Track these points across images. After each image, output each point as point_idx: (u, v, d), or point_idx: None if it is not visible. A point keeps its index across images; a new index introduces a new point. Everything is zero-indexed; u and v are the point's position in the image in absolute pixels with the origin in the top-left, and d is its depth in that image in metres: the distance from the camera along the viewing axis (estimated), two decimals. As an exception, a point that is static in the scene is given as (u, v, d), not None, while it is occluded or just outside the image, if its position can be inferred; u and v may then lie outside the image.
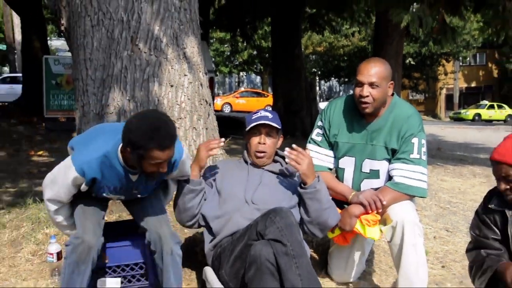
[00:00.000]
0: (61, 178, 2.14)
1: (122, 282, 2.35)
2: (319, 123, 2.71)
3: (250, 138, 2.47)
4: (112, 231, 2.42)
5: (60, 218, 2.31)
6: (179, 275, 2.25)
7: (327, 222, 2.38)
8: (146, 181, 2.25)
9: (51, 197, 2.19)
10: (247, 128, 2.46)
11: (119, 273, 2.36)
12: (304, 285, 1.96)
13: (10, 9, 16.62)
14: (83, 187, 2.16)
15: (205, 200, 2.41)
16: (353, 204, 2.49)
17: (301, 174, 2.32)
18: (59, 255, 2.60)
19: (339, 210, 2.51)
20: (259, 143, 2.45)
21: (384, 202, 2.40)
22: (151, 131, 1.92)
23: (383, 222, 2.47)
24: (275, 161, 2.59)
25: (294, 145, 2.35)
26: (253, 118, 2.48)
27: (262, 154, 2.46)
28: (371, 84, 2.43)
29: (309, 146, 2.71)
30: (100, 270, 2.30)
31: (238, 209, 2.33)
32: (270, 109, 2.42)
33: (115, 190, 2.25)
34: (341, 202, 2.58)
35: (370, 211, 2.41)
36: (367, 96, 2.43)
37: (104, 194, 2.25)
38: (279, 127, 2.48)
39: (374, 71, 2.44)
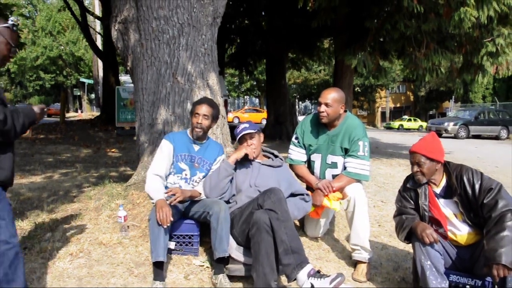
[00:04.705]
0: (157, 151, 2.36)
1: (175, 245, 2.32)
2: (297, 132, 2.69)
3: (241, 144, 2.43)
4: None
5: (151, 187, 2.21)
6: (227, 231, 2.14)
7: (297, 219, 2.42)
8: (204, 153, 2.37)
9: (150, 169, 2.29)
10: (237, 139, 2.43)
11: (175, 238, 2.34)
12: (289, 239, 1.96)
13: (96, 57, 16.82)
14: (170, 152, 2.31)
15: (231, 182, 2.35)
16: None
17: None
18: (125, 218, 2.59)
19: (310, 192, 2.52)
20: (248, 145, 2.39)
21: (334, 186, 2.42)
22: (196, 100, 2.48)
23: (342, 197, 2.47)
24: (267, 157, 2.56)
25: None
26: (238, 131, 2.43)
27: (253, 149, 2.39)
28: (326, 104, 2.45)
29: (291, 146, 2.69)
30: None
31: (244, 191, 2.33)
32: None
33: (184, 158, 2.33)
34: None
35: (328, 192, 2.43)
36: (323, 111, 2.46)
37: (178, 164, 2.32)
38: (255, 130, 2.41)
39: (329, 96, 2.46)
